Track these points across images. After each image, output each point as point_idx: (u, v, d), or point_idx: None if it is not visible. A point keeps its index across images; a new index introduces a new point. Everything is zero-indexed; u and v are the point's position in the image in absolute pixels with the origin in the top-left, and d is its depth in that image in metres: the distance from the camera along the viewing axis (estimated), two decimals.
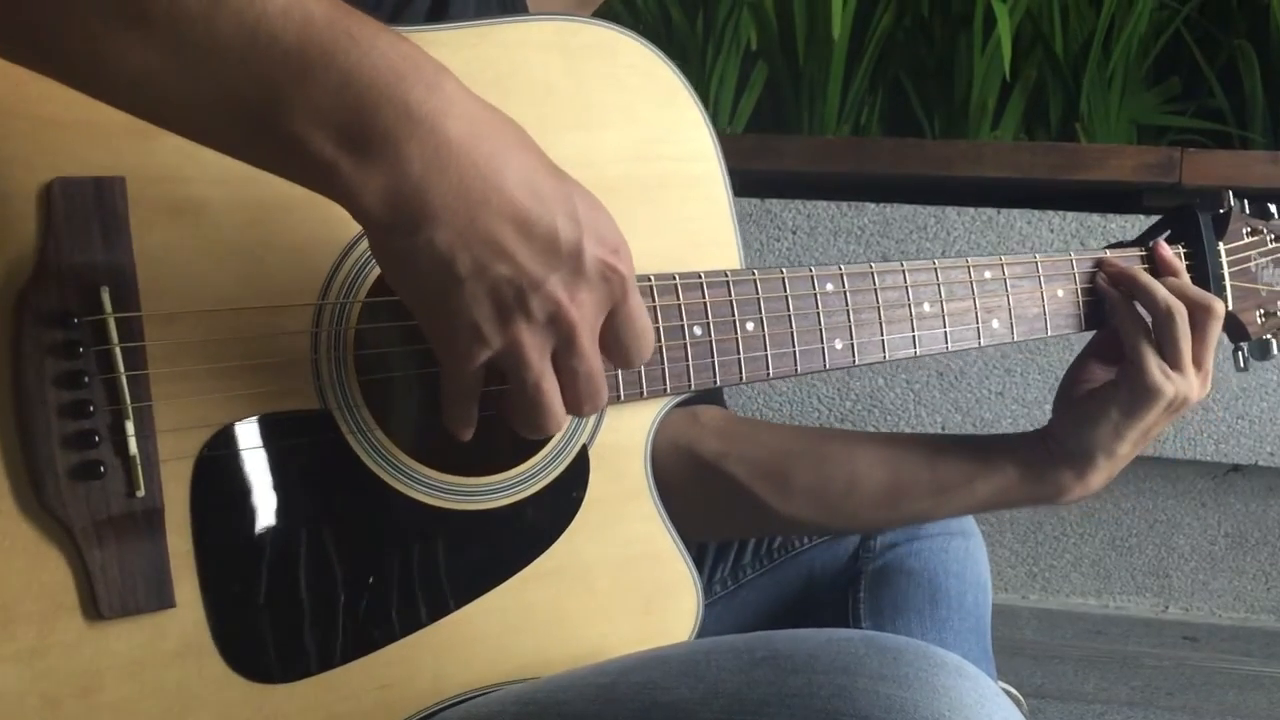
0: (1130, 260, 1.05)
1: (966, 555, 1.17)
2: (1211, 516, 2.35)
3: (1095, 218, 2.15)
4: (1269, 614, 2.37)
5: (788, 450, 1.07)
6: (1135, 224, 2.16)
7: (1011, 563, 2.42)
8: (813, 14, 2.32)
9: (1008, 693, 0.99)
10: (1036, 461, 1.03)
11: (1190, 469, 2.29)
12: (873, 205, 2.20)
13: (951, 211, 2.19)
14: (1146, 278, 1.02)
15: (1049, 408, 1.07)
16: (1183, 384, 0.99)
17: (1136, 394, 0.99)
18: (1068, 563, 2.41)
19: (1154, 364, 0.98)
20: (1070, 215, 2.16)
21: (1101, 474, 1.02)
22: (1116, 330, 1.02)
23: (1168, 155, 2.15)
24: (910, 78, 2.50)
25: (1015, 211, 2.18)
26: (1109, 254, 1.05)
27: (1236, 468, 2.29)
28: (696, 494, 1.07)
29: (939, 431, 2.20)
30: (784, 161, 2.22)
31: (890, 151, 2.25)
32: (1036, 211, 2.17)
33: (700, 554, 1.19)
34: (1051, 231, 2.17)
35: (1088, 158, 2.20)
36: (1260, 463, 2.18)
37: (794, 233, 2.22)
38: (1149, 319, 1.00)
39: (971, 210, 2.18)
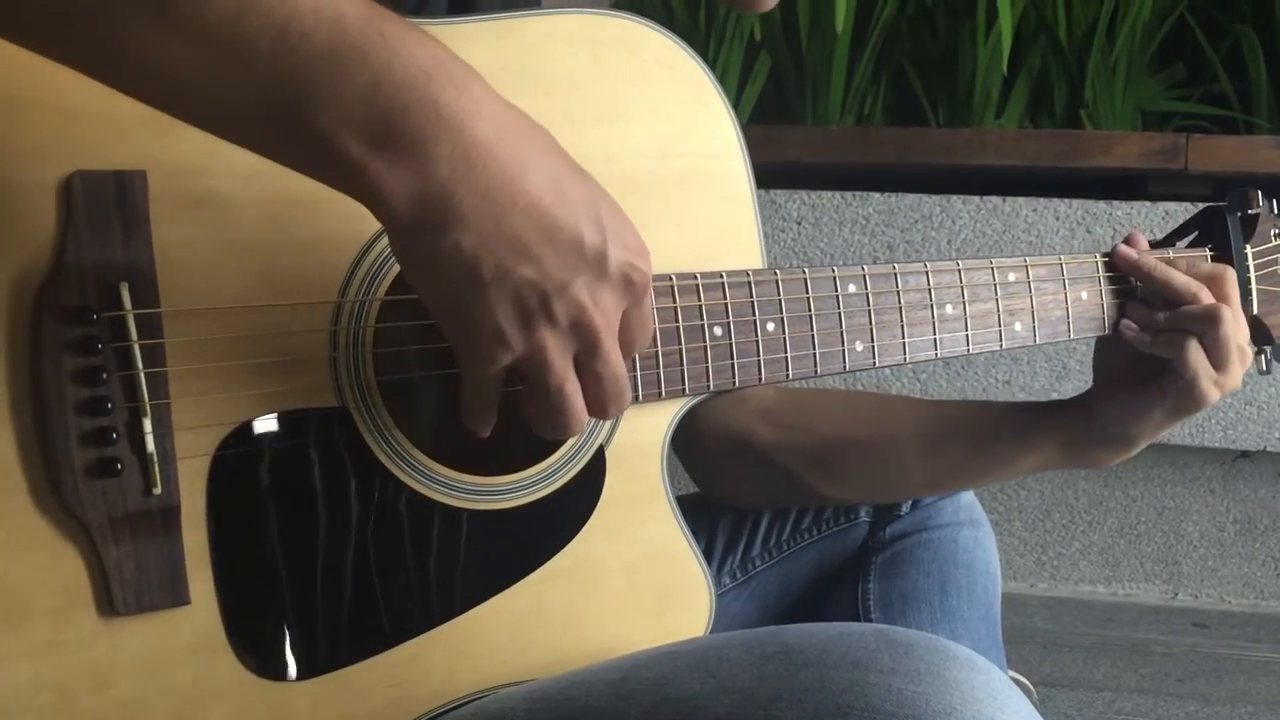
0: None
1: (975, 545, 1.16)
2: (1220, 503, 2.35)
3: (1101, 205, 2.15)
4: (1279, 600, 2.37)
5: (839, 441, 1.11)
6: (1141, 210, 2.15)
7: (1020, 551, 2.42)
8: (815, 4, 2.31)
9: (1017, 681, 0.99)
10: (1078, 440, 1.07)
11: (1199, 456, 2.29)
12: (877, 195, 2.20)
13: (957, 200, 2.18)
14: (1182, 279, 1.01)
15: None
16: (1229, 382, 1.00)
17: (1183, 402, 1.01)
18: (1076, 551, 2.41)
19: (1206, 379, 0.99)
20: (1076, 202, 2.16)
21: (1137, 450, 1.07)
22: (1171, 360, 1.01)
23: (1173, 141, 2.15)
24: (914, 67, 2.49)
25: (1021, 199, 2.17)
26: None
27: (1245, 454, 2.28)
28: (745, 477, 1.13)
29: None
30: (788, 152, 2.21)
31: (894, 141, 2.25)
32: (1042, 199, 2.17)
33: (709, 546, 1.19)
34: (1057, 219, 2.16)
35: (1093, 145, 2.20)
36: (1269, 448, 2.18)
37: (799, 223, 2.21)
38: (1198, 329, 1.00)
39: (977, 199, 2.18)
